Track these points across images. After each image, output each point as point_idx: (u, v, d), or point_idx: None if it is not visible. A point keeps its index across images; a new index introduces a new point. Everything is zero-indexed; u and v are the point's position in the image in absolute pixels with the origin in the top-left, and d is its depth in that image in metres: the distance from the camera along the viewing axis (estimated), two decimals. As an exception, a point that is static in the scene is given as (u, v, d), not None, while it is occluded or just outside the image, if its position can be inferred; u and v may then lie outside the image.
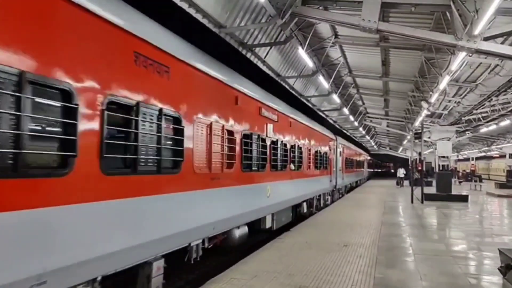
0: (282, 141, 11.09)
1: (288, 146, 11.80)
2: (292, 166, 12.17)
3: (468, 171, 57.96)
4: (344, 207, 18.20)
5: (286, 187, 11.67)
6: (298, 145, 13.12)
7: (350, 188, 30.91)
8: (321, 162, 17.02)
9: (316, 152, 15.96)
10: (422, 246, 9.45)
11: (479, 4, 8.25)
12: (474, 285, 6.43)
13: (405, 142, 46.18)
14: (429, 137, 25.89)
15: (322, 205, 17.80)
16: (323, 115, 29.68)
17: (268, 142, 9.83)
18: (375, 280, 6.45)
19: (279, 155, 10.77)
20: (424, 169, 24.51)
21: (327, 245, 9.15)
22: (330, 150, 19.51)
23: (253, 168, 8.99)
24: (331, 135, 20.94)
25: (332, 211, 16.35)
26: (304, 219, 13.64)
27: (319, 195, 17.23)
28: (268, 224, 10.49)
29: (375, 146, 66.89)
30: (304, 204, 14.54)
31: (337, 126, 36.37)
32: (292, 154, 12.21)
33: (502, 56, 10.09)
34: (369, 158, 55.53)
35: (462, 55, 10.79)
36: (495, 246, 8.10)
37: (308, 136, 14.72)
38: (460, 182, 41.07)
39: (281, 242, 9.56)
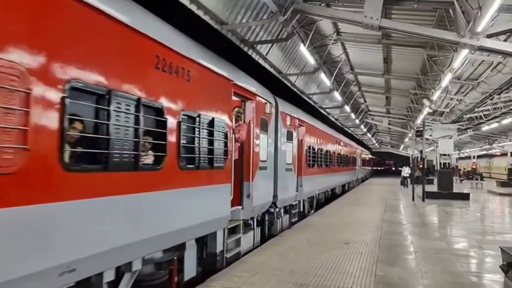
0: None
1: None
2: None
3: (469, 169, 57.94)
4: (345, 205, 18.18)
5: None
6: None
7: (332, 195, 20.78)
8: (193, 151, 5.99)
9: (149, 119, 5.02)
10: (423, 244, 9.43)
11: (482, 1, 8.21)
12: (475, 283, 6.42)
13: (406, 140, 46.10)
14: (430, 135, 25.83)
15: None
16: (325, 113, 29.63)
17: None
18: (376, 277, 6.44)
19: None
20: (425, 167, 24.49)
21: (328, 243, 9.14)
22: (247, 123, 8.35)
23: None
24: (257, 90, 8.94)
25: (333, 210, 16.33)
26: None
27: (180, 251, 5.86)
28: None
29: (376, 144, 66.90)
30: None
31: (339, 123, 36.28)
32: None
33: (505, 54, 10.06)
34: (364, 152, 45.97)
35: (464, 52, 10.76)
36: (496, 244, 8.09)
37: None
38: (461, 180, 41.03)
39: (282, 240, 9.55)
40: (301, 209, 13.61)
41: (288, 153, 11.51)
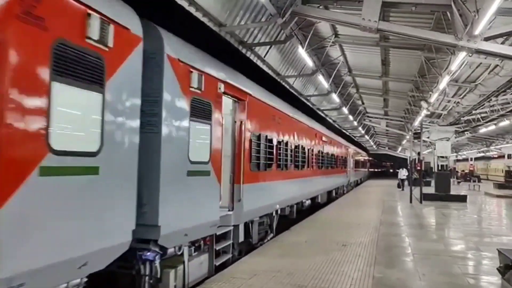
0: None
1: None
2: None
3: (466, 171, 58.11)
4: (343, 206, 18.19)
5: None
6: None
7: (314, 205, 16.27)
8: None
9: None
10: (421, 246, 9.45)
11: (479, 4, 8.25)
12: (472, 285, 6.44)
13: (404, 142, 46.19)
14: (428, 137, 25.90)
15: None
16: (323, 115, 29.67)
17: None
18: (374, 279, 6.45)
19: None
20: (423, 169, 24.54)
21: (326, 245, 9.14)
22: None
23: None
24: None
25: (331, 211, 16.33)
26: None
27: None
28: None
29: (374, 146, 67.09)
30: None
31: (337, 125, 36.27)
32: None
33: (502, 56, 10.09)
34: (359, 152, 42.18)
35: (462, 55, 10.78)
36: (493, 246, 8.11)
37: None
38: (458, 182, 41.16)
39: (280, 241, 9.55)
40: (243, 238, 8.33)
41: (200, 144, 6.41)
